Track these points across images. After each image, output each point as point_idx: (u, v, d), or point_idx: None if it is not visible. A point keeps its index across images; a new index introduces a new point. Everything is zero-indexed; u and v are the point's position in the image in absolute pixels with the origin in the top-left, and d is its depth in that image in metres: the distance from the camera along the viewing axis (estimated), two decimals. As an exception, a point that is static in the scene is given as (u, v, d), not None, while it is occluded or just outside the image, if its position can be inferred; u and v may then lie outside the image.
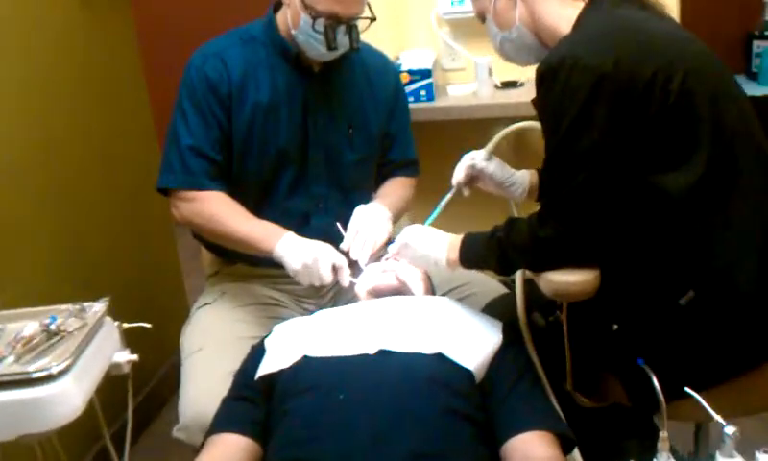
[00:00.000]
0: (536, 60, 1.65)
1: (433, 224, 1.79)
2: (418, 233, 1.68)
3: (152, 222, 2.65)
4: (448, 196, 1.84)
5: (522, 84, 2.60)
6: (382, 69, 2.06)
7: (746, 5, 3.20)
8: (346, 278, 1.76)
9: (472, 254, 1.59)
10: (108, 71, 2.44)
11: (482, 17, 1.67)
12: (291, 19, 1.82)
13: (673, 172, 1.38)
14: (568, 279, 1.43)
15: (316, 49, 1.81)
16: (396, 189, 2.06)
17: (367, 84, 2.00)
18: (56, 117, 2.17)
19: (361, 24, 1.83)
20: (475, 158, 1.84)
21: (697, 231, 1.40)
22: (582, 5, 1.52)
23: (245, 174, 1.89)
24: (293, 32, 1.82)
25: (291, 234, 1.78)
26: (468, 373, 1.44)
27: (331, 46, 1.78)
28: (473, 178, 1.86)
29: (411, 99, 2.50)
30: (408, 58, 2.59)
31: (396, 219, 1.98)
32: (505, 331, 1.57)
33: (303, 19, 1.77)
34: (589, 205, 1.40)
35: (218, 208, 1.84)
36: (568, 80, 1.37)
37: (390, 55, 2.10)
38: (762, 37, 3.15)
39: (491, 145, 1.85)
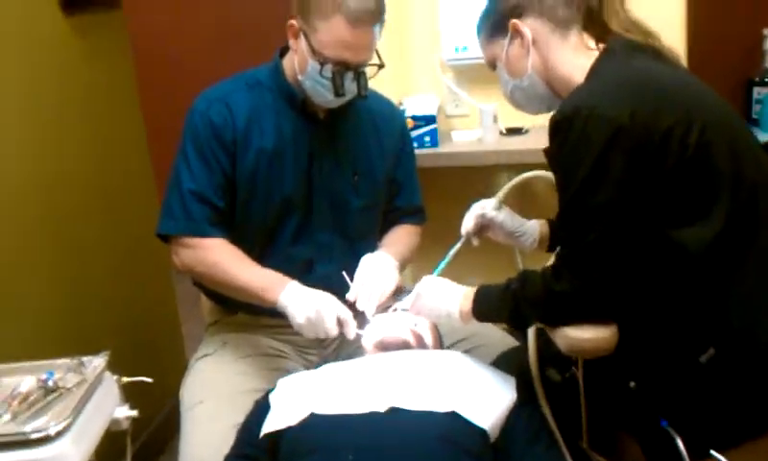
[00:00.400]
0: (547, 109, 1.63)
1: (441, 273, 1.75)
2: (431, 284, 1.64)
3: (149, 268, 2.60)
4: (458, 246, 1.81)
5: (527, 131, 2.58)
6: (389, 115, 2.02)
7: (746, 51, 3.21)
8: (351, 330, 1.71)
9: (486, 307, 1.56)
10: (106, 118, 2.41)
11: (492, 65, 1.65)
12: (298, 65, 1.79)
13: (691, 227, 1.35)
14: (585, 336, 1.39)
15: (323, 95, 1.78)
16: (401, 237, 2.02)
17: (373, 130, 1.97)
18: (53, 164, 2.14)
19: (369, 70, 1.79)
20: (485, 208, 1.81)
21: (716, 287, 1.37)
22: (596, 54, 1.50)
23: (248, 220, 1.85)
24: (300, 77, 1.79)
25: (295, 284, 1.74)
26: (481, 432, 1.40)
27: (338, 92, 1.74)
28: (483, 227, 1.82)
29: (415, 145, 2.47)
30: (412, 103, 2.57)
31: (403, 268, 1.94)
32: (519, 388, 1.53)
33: (311, 65, 1.74)
34: (606, 259, 1.36)
35: (221, 256, 1.80)
36: (584, 131, 1.34)
37: (393, 100, 2.08)
38: (763, 84, 3.16)
39: (501, 194, 1.82)
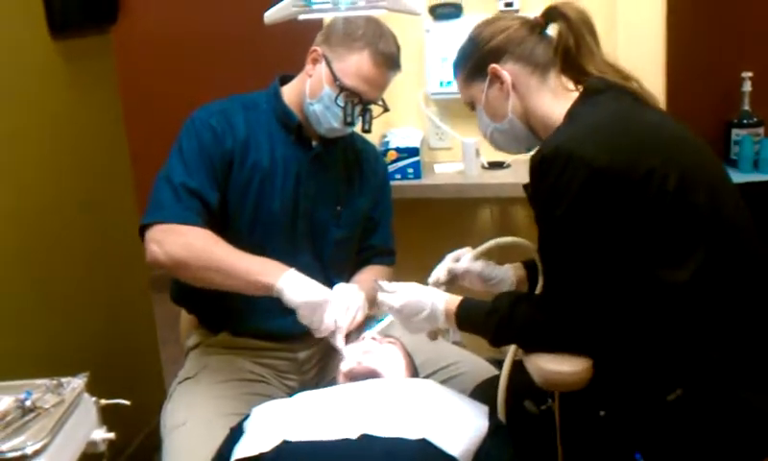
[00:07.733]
0: (526, 150, 1.66)
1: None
2: (412, 291, 1.66)
3: (129, 290, 2.61)
4: None
5: (509, 166, 2.61)
6: (374, 158, 2.11)
7: (725, 93, 3.26)
8: (339, 341, 1.74)
9: (468, 321, 1.58)
10: (92, 142, 2.43)
11: (471, 106, 1.67)
12: (310, 89, 1.85)
13: (671, 267, 1.36)
14: (559, 369, 1.42)
15: (328, 122, 1.84)
16: (369, 277, 2.01)
17: (358, 167, 2.03)
18: (37, 189, 2.15)
19: (374, 111, 1.90)
20: (461, 258, 1.81)
21: (690, 326, 1.39)
22: (575, 96, 1.52)
23: (236, 236, 1.84)
24: (308, 101, 1.85)
25: (293, 271, 1.74)
26: (452, 459, 1.40)
27: (347, 121, 1.83)
28: (455, 277, 1.82)
29: (398, 176, 2.51)
30: (396, 135, 2.61)
31: (369, 306, 1.92)
32: (492, 416, 1.53)
33: (327, 91, 1.82)
34: (583, 297, 1.39)
35: (209, 242, 1.77)
36: (562, 172, 1.36)
37: (378, 132, 2.12)
38: (741, 125, 3.20)
39: (479, 250, 1.79)
